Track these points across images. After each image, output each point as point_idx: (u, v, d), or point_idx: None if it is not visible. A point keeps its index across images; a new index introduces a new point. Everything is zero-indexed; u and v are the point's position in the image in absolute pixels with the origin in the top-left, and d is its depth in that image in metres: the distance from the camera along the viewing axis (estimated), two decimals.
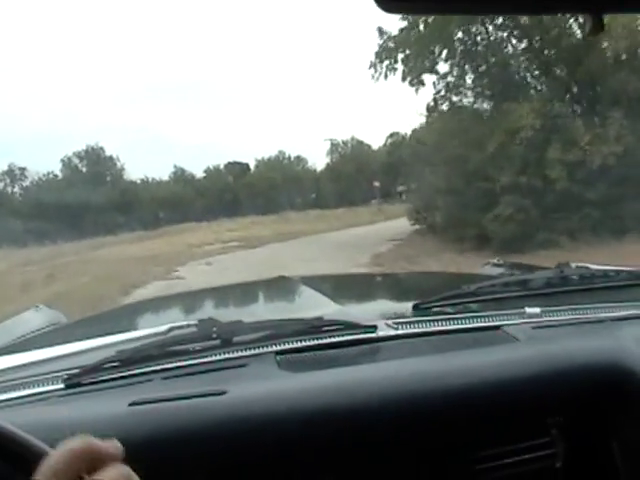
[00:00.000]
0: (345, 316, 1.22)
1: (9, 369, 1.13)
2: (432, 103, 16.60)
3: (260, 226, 31.33)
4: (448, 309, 1.31)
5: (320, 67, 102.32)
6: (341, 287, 2.43)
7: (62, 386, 1.01)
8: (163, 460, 0.79)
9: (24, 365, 1.16)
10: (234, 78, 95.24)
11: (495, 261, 2.32)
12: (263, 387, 0.92)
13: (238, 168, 58.22)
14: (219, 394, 0.87)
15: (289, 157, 61.12)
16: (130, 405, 0.85)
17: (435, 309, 1.31)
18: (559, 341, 1.07)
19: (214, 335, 1.12)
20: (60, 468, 0.47)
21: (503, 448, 0.96)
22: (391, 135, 62.83)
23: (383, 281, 2.69)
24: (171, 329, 1.24)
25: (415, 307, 1.31)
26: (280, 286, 2.27)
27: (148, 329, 1.30)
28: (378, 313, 1.38)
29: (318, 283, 2.21)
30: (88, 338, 1.27)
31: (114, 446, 0.51)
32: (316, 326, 1.16)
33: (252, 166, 60.00)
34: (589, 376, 0.97)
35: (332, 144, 60.36)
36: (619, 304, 1.34)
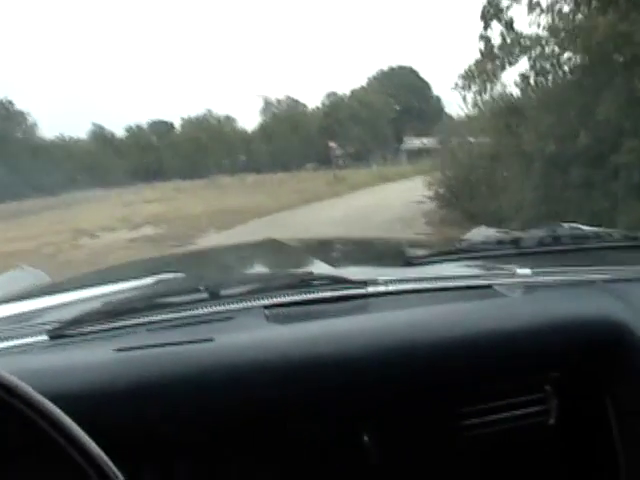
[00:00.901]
0: (335, 273, 1.24)
1: None
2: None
3: (187, 195, 26.04)
4: (439, 266, 1.34)
5: (250, 19, 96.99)
6: (331, 248, 2.42)
7: (46, 338, 1.00)
8: (150, 405, 0.81)
9: (5, 318, 1.14)
10: (157, 29, 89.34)
11: (483, 228, 2.23)
12: (250, 336, 0.94)
13: (162, 127, 54.21)
14: (206, 341, 0.89)
15: (217, 116, 56.82)
16: (116, 351, 0.87)
17: (426, 266, 1.33)
18: (551, 299, 1.11)
19: (201, 288, 1.11)
20: None
21: (494, 403, 0.99)
22: (328, 95, 59.28)
23: (375, 243, 2.71)
24: (158, 282, 1.24)
25: (406, 263, 1.33)
26: (269, 247, 2.24)
27: (134, 281, 1.29)
28: (368, 271, 1.41)
29: (308, 245, 2.25)
30: (73, 291, 1.27)
31: None
32: (305, 280, 1.16)
33: (177, 125, 55.29)
34: (582, 333, 1.01)
35: (265, 102, 56.59)
36: (611, 267, 1.34)
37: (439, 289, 1.19)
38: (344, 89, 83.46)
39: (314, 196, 21.80)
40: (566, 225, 1.55)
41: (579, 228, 1.54)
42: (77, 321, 1.03)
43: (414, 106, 69.10)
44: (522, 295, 1.13)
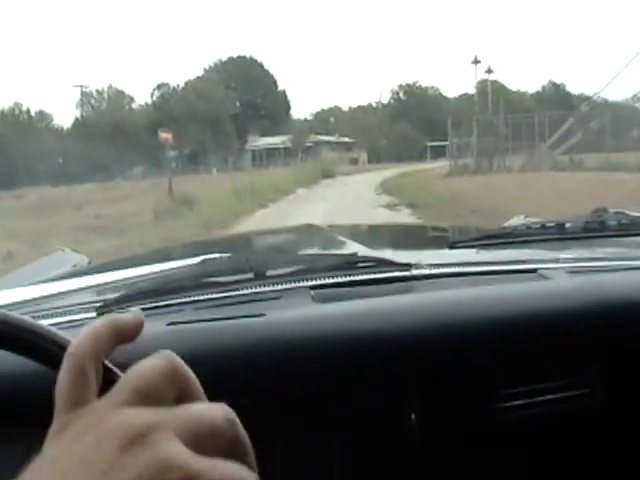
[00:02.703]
0: (379, 255, 1.29)
1: (39, 299, 1.17)
2: None
3: None
4: (484, 252, 1.40)
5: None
6: (372, 233, 2.49)
7: (94, 315, 1.05)
8: (202, 379, 0.77)
9: (54, 295, 1.19)
10: None
11: (522, 217, 2.31)
12: (300, 312, 1.00)
13: None
14: (258, 316, 0.95)
15: (28, 111, 47.95)
16: (168, 324, 0.92)
17: (470, 250, 1.39)
18: (596, 280, 1.17)
19: (247, 268, 1.16)
20: (82, 368, 0.41)
21: (539, 385, 1.03)
22: (160, 86, 51.90)
23: (416, 229, 2.78)
24: (203, 261, 1.27)
25: (450, 247, 1.38)
26: (310, 231, 2.32)
27: (180, 261, 1.36)
28: (412, 255, 1.45)
29: (349, 230, 2.30)
30: (119, 269, 1.30)
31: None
32: (350, 262, 1.22)
33: None
34: (630, 314, 1.05)
35: (83, 93, 48.28)
36: None
37: (483, 272, 1.26)
38: (178, 80, 75.47)
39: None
40: (611, 210, 1.59)
41: (624, 213, 1.53)
42: (124, 299, 1.08)
43: (258, 102, 63.32)
44: (567, 279, 1.18)
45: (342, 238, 1.97)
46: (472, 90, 70.55)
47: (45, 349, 0.52)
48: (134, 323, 0.47)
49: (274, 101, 64.45)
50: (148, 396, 0.38)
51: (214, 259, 1.30)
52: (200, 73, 60.80)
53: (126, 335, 0.46)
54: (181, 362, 0.42)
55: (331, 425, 0.96)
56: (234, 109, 56.65)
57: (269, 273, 1.17)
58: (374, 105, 69.18)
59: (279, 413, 0.92)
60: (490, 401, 1.01)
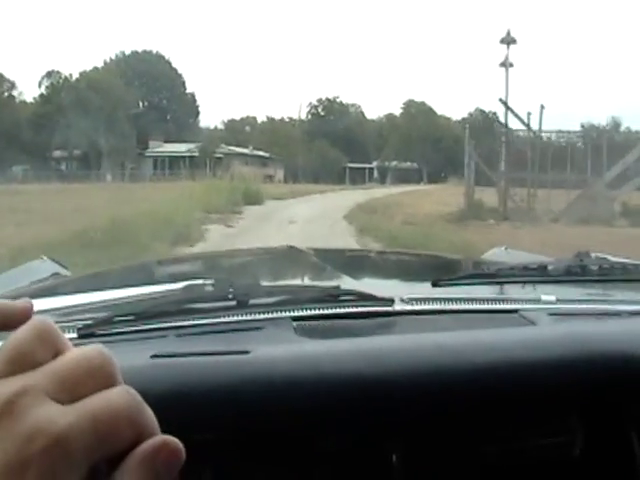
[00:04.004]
0: (361, 289, 1.34)
1: None
2: None
3: None
4: (466, 289, 1.46)
5: None
6: (353, 261, 2.57)
7: (75, 335, 1.07)
8: (186, 415, 0.89)
9: (35, 313, 1.03)
10: None
11: (502, 248, 2.48)
12: (285, 349, 1.04)
13: None
14: (242, 352, 0.98)
15: None
16: (152, 357, 0.95)
17: (454, 288, 1.45)
18: (579, 327, 1.24)
19: (230, 296, 1.21)
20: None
21: (519, 432, 1.09)
22: (49, 74, 45.18)
23: (398, 258, 2.81)
24: (187, 287, 1.31)
25: (434, 284, 1.44)
26: (292, 256, 2.36)
27: (163, 285, 1.42)
28: (394, 288, 1.55)
29: (331, 256, 2.37)
30: (101, 290, 1.36)
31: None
32: (333, 295, 1.27)
33: None
34: (609, 364, 1.10)
35: None
36: (637, 298, 1.48)
37: (465, 311, 1.34)
38: (74, 70, 68.33)
39: None
40: (593, 255, 1.67)
41: (606, 259, 1.63)
42: (107, 321, 1.12)
43: (163, 103, 57.63)
44: (548, 323, 1.27)
45: (324, 265, 2.04)
46: (397, 110, 67.71)
47: None
48: (22, 310, 0.46)
49: (181, 104, 59.98)
50: (22, 363, 0.39)
51: (197, 285, 1.33)
52: (100, 65, 54.22)
53: (12, 322, 0.45)
54: (52, 323, 0.43)
55: (312, 462, 1.00)
56: (135, 109, 50.92)
57: (252, 302, 1.21)
58: (293, 119, 64.62)
59: (260, 449, 0.96)
60: (471, 446, 1.06)
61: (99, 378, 0.38)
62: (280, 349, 1.02)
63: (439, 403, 1.01)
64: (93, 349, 0.40)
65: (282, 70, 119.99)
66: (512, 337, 1.13)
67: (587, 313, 1.31)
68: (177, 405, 0.85)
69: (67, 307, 1.27)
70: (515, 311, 1.28)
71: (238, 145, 54.48)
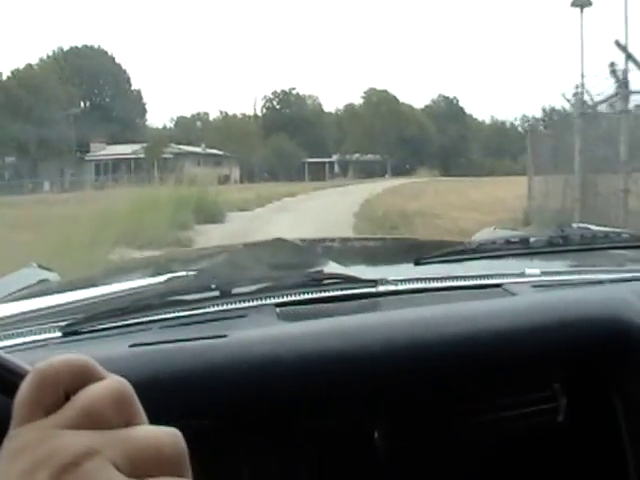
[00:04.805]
0: (344, 272, 1.38)
1: (2, 318, 1.23)
2: None
3: None
4: (449, 267, 1.48)
5: None
6: (339, 247, 2.67)
7: (59, 334, 1.10)
8: (165, 400, 0.90)
9: (18, 314, 1.25)
10: None
11: (492, 229, 2.53)
12: (263, 332, 1.07)
13: None
14: (220, 337, 1.01)
15: None
16: (131, 347, 0.98)
17: (436, 265, 1.47)
18: (559, 298, 1.25)
19: (213, 286, 1.22)
20: (43, 386, 0.45)
21: (503, 401, 1.12)
22: None
23: (382, 243, 2.93)
24: (169, 280, 1.34)
25: (416, 263, 1.46)
26: (277, 246, 2.44)
27: (145, 279, 1.44)
28: (378, 271, 1.60)
29: (317, 244, 2.44)
30: (84, 289, 1.38)
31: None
32: (316, 279, 1.28)
33: None
34: (590, 329, 1.12)
35: None
36: (619, 267, 1.53)
37: (448, 288, 1.35)
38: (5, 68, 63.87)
39: None
40: (575, 225, 1.75)
41: (588, 228, 1.67)
42: (90, 318, 1.14)
43: (106, 102, 53.94)
44: (531, 294, 1.29)
45: (310, 253, 2.08)
46: (357, 100, 64.80)
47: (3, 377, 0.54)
48: (97, 367, 0.47)
49: (126, 102, 56.54)
50: (94, 419, 0.40)
51: (180, 277, 1.36)
52: (35, 62, 50.24)
53: (88, 375, 0.46)
54: (131, 389, 0.45)
55: (297, 443, 1.03)
56: (74, 108, 47.21)
57: (235, 291, 1.22)
58: (246, 115, 61.21)
59: (244, 432, 0.99)
60: (455, 419, 1.09)
61: (166, 466, 0.39)
62: (258, 331, 1.05)
63: (420, 377, 1.03)
64: (169, 434, 0.41)
65: (234, 62, 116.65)
66: (490, 308, 1.16)
67: (570, 283, 1.35)
68: (156, 392, 0.87)
69: (51, 307, 1.28)
70: (499, 285, 1.30)
71: (190, 144, 52.98)
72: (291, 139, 58.34)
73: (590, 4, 19.91)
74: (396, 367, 1.01)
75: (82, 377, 0.43)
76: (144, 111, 61.89)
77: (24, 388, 0.42)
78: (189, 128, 63.46)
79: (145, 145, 46.69)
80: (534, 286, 1.29)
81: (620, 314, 1.10)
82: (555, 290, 1.30)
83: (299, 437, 1.02)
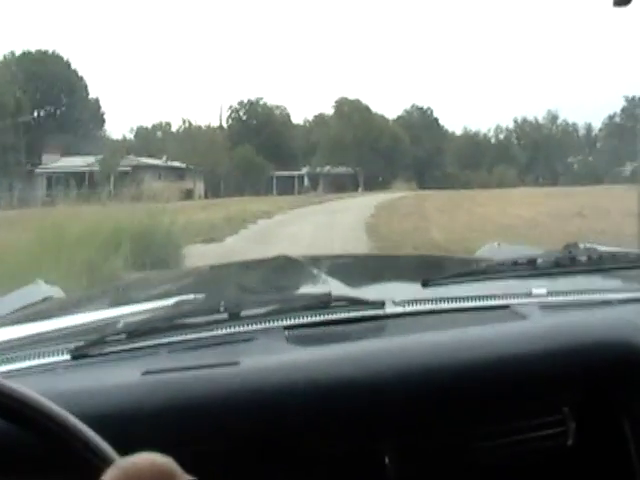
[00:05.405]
0: (352, 294, 1.41)
1: (13, 340, 1.25)
2: None
3: None
4: (457, 287, 1.50)
5: None
6: (345, 266, 2.66)
7: (68, 357, 1.12)
8: (178, 429, 0.93)
9: (27, 337, 1.27)
10: None
11: (495, 244, 2.53)
12: (275, 359, 1.09)
13: None
14: (232, 364, 1.03)
15: None
16: (144, 374, 1.00)
17: (444, 287, 1.50)
18: (568, 319, 1.29)
19: (222, 308, 1.24)
20: None
21: (512, 425, 1.14)
22: None
23: (389, 261, 2.86)
24: (178, 303, 1.34)
25: (424, 285, 1.48)
26: (283, 264, 2.45)
27: (154, 302, 1.45)
28: (385, 291, 1.58)
29: (322, 262, 2.43)
30: (92, 311, 1.40)
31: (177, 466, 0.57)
32: (324, 302, 1.30)
33: None
34: (599, 353, 1.16)
35: None
36: (627, 286, 1.56)
37: (456, 310, 1.37)
38: None
39: None
40: (582, 245, 1.72)
41: (595, 249, 1.67)
42: (99, 341, 1.15)
43: (62, 111, 51.02)
44: (539, 316, 1.29)
45: (317, 272, 2.06)
46: (328, 110, 62.43)
47: (86, 459, 0.59)
48: (179, 472, 0.51)
49: (83, 111, 53.78)
50: None
51: (188, 300, 1.37)
52: None
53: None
54: (173, 466, 0.48)
55: (308, 468, 1.04)
56: (25, 117, 44.03)
57: (243, 313, 1.24)
58: (210, 127, 58.60)
59: (254, 459, 1.01)
60: (465, 443, 1.11)
61: None
62: (269, 359, 1.07)
63: (431, 403, 1.05)
64: None
65: (198, 69, 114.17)
66: (501, 332, 1.18)
67: (578, 304, 1.36)
68: (170, 420, 0.87)
69: (59, 329, 1.30)
70: (506, 307, 1.33)
71: (151, 156, 51.27)
72: (258, 151, 56.96)
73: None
74: (407, 393, 1.04)
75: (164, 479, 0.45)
76: (102, 121, 59.81)
77: None
78: (150, 139, 62.32)
79: (99, 157, 43.58)
80: (542, 307, 1.32)
81: (628, 338, 1.12)
82: (563, 312, 1.32)
83: (310, 462, 1.03)
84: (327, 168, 60.56)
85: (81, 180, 41.96)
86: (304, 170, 61.82)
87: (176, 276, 2.84)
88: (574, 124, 71.47)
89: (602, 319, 1.20)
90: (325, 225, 18.24)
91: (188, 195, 45.53)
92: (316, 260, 2.50)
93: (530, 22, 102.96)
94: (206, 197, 48.34)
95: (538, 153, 65.09)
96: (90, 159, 44.39)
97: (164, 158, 51.26)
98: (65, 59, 55.51)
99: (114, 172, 41.46)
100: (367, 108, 62.59)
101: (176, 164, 51.50)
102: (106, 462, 0.52)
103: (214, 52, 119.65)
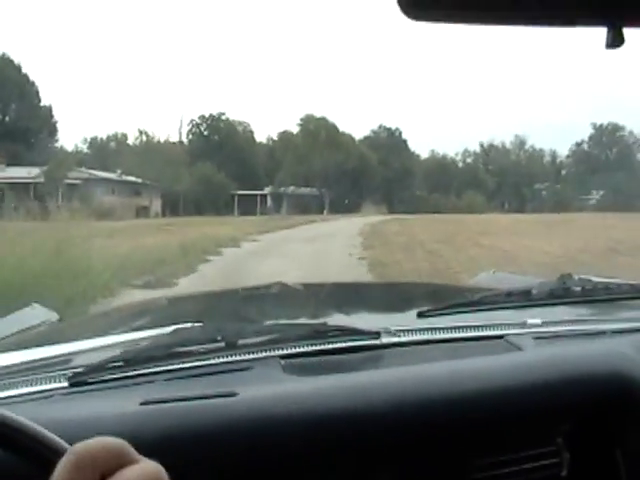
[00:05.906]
0: (348, 323, 1.43)
1: (10, 366, 1.26)
2: None
3: None
4: (452, 318, 1.53)
5: None
6: (342, 295, 2.64)
7: (66, 384, 1.14)
8: (175, 460, 0.88)
9: (24, 363, 1.27)
10: None
11: (491, 272, 2.58)
12: (272, 390, 1.12)
13: None
14: (230, 395, 1.05)
15: None
16: (141, 404, 1.02)
17: (439, 318, 1.52)
18: (562, 350, 1.32)
19: (219, 337, 1.25)
20: (80, 467, 0.49)
21: (506, 456, 1.16)
22: None
23: (384, 290, 2.92)
24: (176, 331, 1.35)
25: (419, 315, 1.50)
26: (280, 293, 2.45)
27: (152, 330, 1.48)
28: (381, 321, 1.61)
29: (319, 290, 2.46)
30: (89, 337, 1.41)
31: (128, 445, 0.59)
32: (320, 331, 1.33)
33: None
34: (592, 384, 1.19)
35: None
36: (620, 317, 1.60)
37: (450, 340, 1.40)
38: None
39: None
40: (576, 277, 1.74)
41: (589, 280, 1.70)
42: (96, 369, 1.17)
43: (11, 117, 48.62)
44: (534, 347, 1.32)
45: (312, 300, 2.07)
46: (293, 128, 60.38)
47: (40, 453, 0.58)
48: (133, 451, 0.51)
49: (33, 119, 50.76)
50: (78, 471, 0.43)
51: (186, 328, 1.37)
52: None
53: (124, 459, 0.49)
54: (165, 473, 0.48)
55: None
56: None
57: (240, 342, 1.25)
58: (169, 141, 56.00)
59: None
60: (462, 473, 1.12)
61: None
62: (266, 390, 1.09)
63: (425, 435, 1.08)
64: None
65: (158, 80, 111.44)
66: (496, 364, 1.20)
67: (572, 334, 1.39)
68: (167, 451, 0.89)
69: (57, 356, 1.31)
70: (501, 337, 1.35)
71: (105, 169, 48.16)
72: (220, 168, 56.08)
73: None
74: (402, 425, 1.06)
75: (118, 460, 0.46)
76: (55, 130, 56.97)
77: (61, 468, 0.44)
78: (105, 151, 60.92)
79: (45, 168, 40.58)
80: (536, 337, 1.35)
81: (621, 370, 1.15)
82: (557, 343, 1.35)
83: None
84: (291, 188, 59.43)
85: (26, 192, 39.26)
86: (267, 190, 60.24)
87: (173, 302, 2.77)
88: (541, 150, 71.65)
89: (595, 351, 1.25)
90: (311, 261, 14.70)
91: (144, 212, 44.56)
92: (313, 288, 2.60)
93: (499, 48, 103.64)
94: (163, 215, 47.21)
95: (505, 178, 64.85)
96: (34, 170, 41.40)
97: (118, 172, 49.48)
98: (16, 62, 53.34)
99: (61, 184, 38.99)
100: (334, 126, 62.55)
101: (131, 179, 50.06)
102: (61, 454, 0.52)
103: (176, 63, 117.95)
